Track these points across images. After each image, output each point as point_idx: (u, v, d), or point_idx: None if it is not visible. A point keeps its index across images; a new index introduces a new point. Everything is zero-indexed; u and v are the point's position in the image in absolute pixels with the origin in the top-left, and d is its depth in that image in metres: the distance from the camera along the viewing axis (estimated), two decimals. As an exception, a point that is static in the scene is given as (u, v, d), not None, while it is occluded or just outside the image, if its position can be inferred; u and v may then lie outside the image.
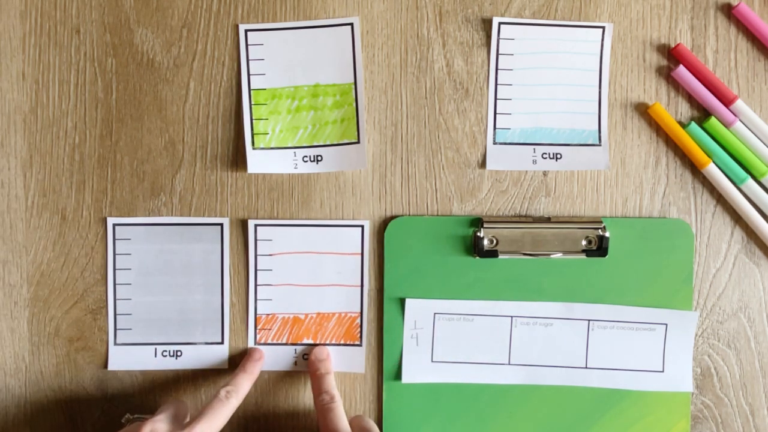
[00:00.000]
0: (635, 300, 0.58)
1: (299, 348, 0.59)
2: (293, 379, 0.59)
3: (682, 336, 0.58)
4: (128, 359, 0.58)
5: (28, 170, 0.58)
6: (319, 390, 0.56)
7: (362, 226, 0.58)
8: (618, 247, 0.58)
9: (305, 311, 0.59)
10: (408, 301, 0.58)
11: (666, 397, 0.59)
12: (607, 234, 0.58)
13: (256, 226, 0.58)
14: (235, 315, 0.59)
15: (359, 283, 0.59)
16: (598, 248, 0.58)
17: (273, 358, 0.59)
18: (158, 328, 0.58)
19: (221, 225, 0.58)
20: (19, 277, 0.58)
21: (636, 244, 0.58)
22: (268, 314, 0.59)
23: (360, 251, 0.58)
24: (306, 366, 0.59)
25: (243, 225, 0.58)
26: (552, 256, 0.58)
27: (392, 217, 0.58)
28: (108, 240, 0.58)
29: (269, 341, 0.59)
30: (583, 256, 0.58)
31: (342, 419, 0.54)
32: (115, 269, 0.58)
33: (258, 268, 0.58)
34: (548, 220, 0.58)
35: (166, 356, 0.58)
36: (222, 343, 0.59)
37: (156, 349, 0.58)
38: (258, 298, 0.59)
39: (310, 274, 0.59)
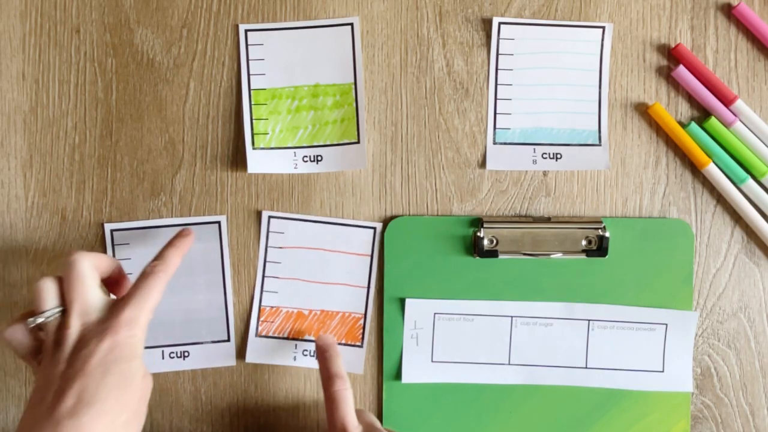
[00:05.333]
0: (635, 300, 0.58)
1: (300, 344, 0.59)
2: (293, 376, 0.59)
3: (682, 336, 0.58)
4: None
5: (28, 170, 0.58)
6: (329, 373, 0.53)
7: (374, 228, 0.58)
8: (618, 247, 0.58)
9: (310, 307, 0.59)
10: (408, 301, 0.58)
11: (666, 397, 0.59)
12: (607, 234, 0.58)
13: (269, 217, 0.58)
14: (239, 311, 0.59)
15: (366, 285, 0.58)
16: (598, 248, 0.58)
17: (273, 351, 0.59)
18: (164, 330, 0.58)
19: (218, 223, 0.58)
20: (19, 277, 0.58)
21: (636, 244, 0.58)
22: (273, 307, 0.59)
23: (370, 253, 0.58)
24: (305, 363, 0.59)
25: (242, 222, 0.58)
26: (552, 256, 0.58)
27: (392, 217, 0.58)
28: (107, 246, 0.58)
29: (270, 334, 0.59)
30: (583, 256, 0.58)
31: (352, 411, 0.52)
32: (116, 275, 0.58)
33: (267, 259, 0.58)
34: (548, 220, 0.58)
35: (173, 358, 0.58)
36: (228, 340, 0.59)
37: (163, 351, 0.58)
38: (264, 289, 0.58)
39: (319, 271, 0.59)
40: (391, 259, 0.58)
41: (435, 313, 0.58)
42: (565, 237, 0.58)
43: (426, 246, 0.58)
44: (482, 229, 0.58)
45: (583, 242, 0.58)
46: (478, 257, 0.58)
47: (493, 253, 0.58)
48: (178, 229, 0.58)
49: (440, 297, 0.58)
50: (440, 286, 0.58)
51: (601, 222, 0.58)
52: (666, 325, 0.58)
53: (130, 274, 0.58)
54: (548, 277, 0.58)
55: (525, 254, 0.58)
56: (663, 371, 0.59)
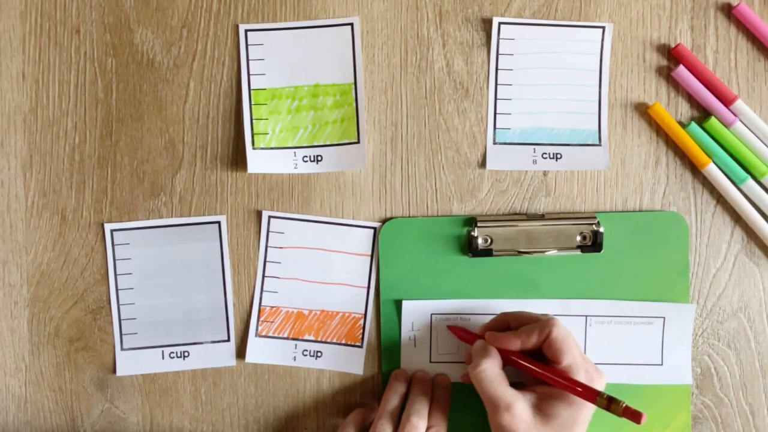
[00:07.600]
0: (632, 294, 0.58)
1: (300, 343, 0.59)
2: (293, 376, 0.59)
3: (680, 328, 0.58)
4: (136, 364, 0.58)
5: (28, 170, 0.58)
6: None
7: (374, 228, 0.58)
8: (612, 241, 0.58)
9: (310, 307, 0.59)
10: (405, 303, 0.58)
11: (666, 390, 0.59)
12: (601, 229, 0.58)
13: (269, 217, 0.58)
14: (239, 311, 0.59)
15: (365, 285, 0.59)
16: (593, 243, 0.58)
17: (273, 351, 0.59)
18: (164, 330, 0.58)
19: (218, 222, 0.58)
20: (19, 277, 0.58)
21: (630, 238, 0.58)
22: (273, 307, 0.59)
23: (370, 253, 0.58)
24: (305, 363, 0.59)
25: (242, 222, 0.58)
26: (547, 253, 0.58)
27: (392, 218, 0.58)
28: (107, 246, 0.58)
29: (270, 334, 0.59)
30: (578, 252, 0.58)
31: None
32: (116, 275, 0.58)
33: (267, 259, 0.58)
34: (542, 217, 0.58)
35: (173, 358, 0.59)
36: (228, 340, 0.59)
37: (163, 351, 0.59)
38: (264, 289, 0.59)
39: (319, 271, 0.59)
40: (386, 261, 0.58)
41: (432, 314, 0.58)
42: (559, 233, 0.58)
43: (421, 247, 0.58)
44: (476, 229, 0.58)
45: (578, 238, 0.58)
46: (472, 257, 0.58)
47: (487, 252, 0.58)
48: (179, 229, 0.58)
49: (436, 297, 0.58)
50: (436, 286, 0.58)
51: (594, 217, 0.58)
52: (663, 318, 0.58)
53: (130, 274, 0.58)
54: (544, 274, 0.58)
55: (520, 252, 0.58)
56: (662, 364, 0.59)
